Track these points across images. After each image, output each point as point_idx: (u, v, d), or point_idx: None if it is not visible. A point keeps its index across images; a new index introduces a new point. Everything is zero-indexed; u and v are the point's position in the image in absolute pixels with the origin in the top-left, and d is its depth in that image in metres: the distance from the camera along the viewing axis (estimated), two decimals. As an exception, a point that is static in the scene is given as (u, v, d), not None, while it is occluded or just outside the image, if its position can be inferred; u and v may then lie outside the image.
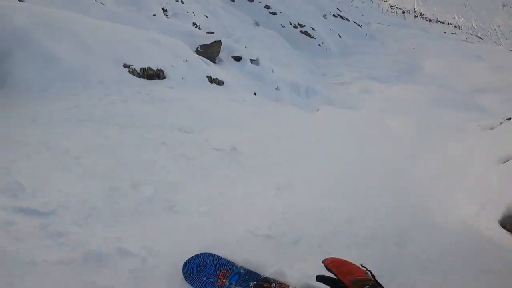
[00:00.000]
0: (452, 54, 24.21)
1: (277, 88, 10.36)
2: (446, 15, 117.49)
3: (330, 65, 19.54)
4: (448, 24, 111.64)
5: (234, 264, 1.46)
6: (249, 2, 24.02)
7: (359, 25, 30.98)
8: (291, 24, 23.19)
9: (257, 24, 19.94)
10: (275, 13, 23.74)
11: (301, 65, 16.74)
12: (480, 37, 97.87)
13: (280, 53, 15.85)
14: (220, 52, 9.89)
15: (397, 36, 31.03)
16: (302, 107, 8.15)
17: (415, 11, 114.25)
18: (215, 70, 7.24)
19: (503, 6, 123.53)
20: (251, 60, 10.69)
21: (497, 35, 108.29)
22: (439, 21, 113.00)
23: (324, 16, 26.69)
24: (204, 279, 1.39)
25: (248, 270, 1.42)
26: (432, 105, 10.53)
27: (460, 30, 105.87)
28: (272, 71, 11.13)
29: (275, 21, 22.87)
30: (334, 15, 28.72)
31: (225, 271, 1.42)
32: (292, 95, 10.75)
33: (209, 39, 9.99)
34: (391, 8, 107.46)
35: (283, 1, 24.82)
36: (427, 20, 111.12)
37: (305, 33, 22.73)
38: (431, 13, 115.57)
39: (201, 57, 7.82)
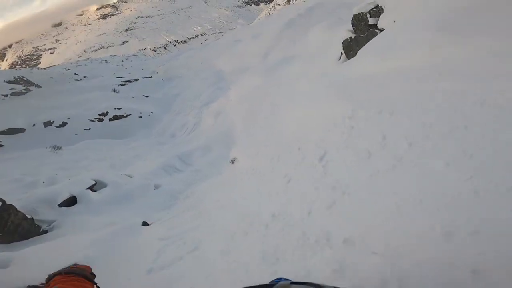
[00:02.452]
0: (223, 48, 27.08)
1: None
2: (189, 31, 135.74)
3: (167, 123, 16.71)
4: (196, 36, 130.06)
5: None
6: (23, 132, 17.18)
7: (149, 77, 29.07)
8: (93, 120, 18.36)
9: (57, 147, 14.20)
10: (63, 124, 18.11)
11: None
12: (220, 32, 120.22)
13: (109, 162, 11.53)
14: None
15: (185, 65, 31.40)
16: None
17: (171, 42, 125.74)
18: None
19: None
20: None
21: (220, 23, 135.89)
22: (189, 38, 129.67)
23: (114, 90, 22.92)
24: None
25: None
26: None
27: (206, 35, 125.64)
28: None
29: (69, 132, 17.42)
30: (122, 84, 25.35)
31: None
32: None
33: None
34: (154, 51, 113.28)
35: (67, 103, 19.33)
36: (182, 43, 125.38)
37: (116, 117, 18.57)
38: (179, 37, 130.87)
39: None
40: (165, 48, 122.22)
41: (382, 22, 5.20)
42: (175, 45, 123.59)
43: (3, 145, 16.59)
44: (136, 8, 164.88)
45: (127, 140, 15.43)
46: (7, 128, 17.39)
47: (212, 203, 4.05)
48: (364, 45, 6.01)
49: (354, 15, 6.35)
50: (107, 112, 18.58)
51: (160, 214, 4.88)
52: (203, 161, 8.28)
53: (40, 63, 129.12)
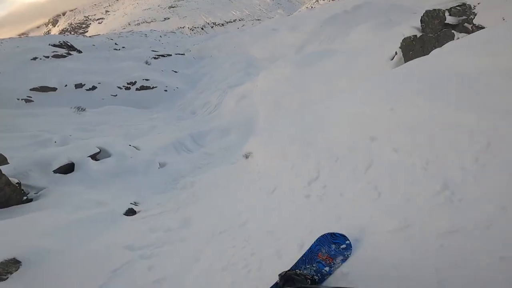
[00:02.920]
0: (259, 35, 26.33)
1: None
2: (228, 14, 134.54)
3: (190, 100, 16.21)
4: (234, 21, 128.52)
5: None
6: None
7: (182, 54, 28.75)
8: (121, 88, 18.34)
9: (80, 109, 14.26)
10: (93, 88, 18.25)
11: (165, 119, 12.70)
12: (258, 19, 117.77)
13: (132, 128, 11.17)
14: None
15: (218, 47, 30.75)
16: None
17: (208, 24, 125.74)
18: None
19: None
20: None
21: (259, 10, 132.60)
22: (227, 22, 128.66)
23: (146, 62, 22.79)
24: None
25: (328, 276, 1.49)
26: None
27: (244, 21, 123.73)
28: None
29: (97, 96, 17.51)
30: (155, 58, 25.24)
31: (330, 260, 1.57)
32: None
33: None
34: (191, 31, 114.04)
35: (101, 69, 19.52)
36: (220, 25, 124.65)
37: (142, 87, 18.41)
38: (217, 20, 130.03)
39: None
40: (202, 28, 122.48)
41: (480, 19, 4.14)
42: (212, 27, 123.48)
43: (32, 101, 17.04)
44: None
45: (149, 110, 15.16)
46: (40, 85, 17.81)
47: (209, 211, 3.18)
48: (433, 45, 5.00)
49: (427, 11, 5.29)
50: (135, 82, 18.46)
51: (155, 199, 4.24)
52: (217, 144, 7.55)
53: (87, 31, 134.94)
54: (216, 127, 8.52)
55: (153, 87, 18.23)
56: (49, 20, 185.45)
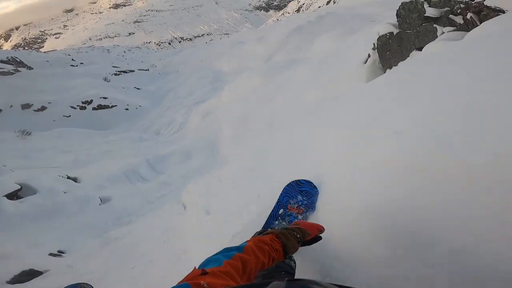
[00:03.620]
0: (226, 48, 26.30)
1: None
2: (195, 29, 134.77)
3: (154, 119, 15.23)
4: (202, 35, 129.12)
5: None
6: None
7: (146, 70, 27.67)
8: (75, 108, 16.83)
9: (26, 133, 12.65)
10: (42, 108, 16.55)
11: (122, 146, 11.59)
12: (226, 33, 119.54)
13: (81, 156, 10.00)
14: None
15: (185, 61, 30.15)
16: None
17: (176, 39, 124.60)
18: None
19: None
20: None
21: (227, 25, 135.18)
22: (195, 36, 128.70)
23: (105, 79, 21.40)
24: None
25: None
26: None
27: (212, 35, 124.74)
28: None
29: (47, 117, 15.88)
30: (116, 74, 23.89)
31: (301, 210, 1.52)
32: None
33: None
34: (158, 46, 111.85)
35: (52, 87, 17.76)
36: (188, 40, 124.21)
37: (100, 107, 17.07)
38: (185, 34, 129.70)
39: None
40: (169, 43, 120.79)
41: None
42: (180, 42, 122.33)
43: (-27, 124, 14.98)
44: (148, 1, 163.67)
45: (106, 132, 13.94)
46: (-20, 106, 15.80)
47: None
48: (412, 44, 4.40)
49: (403, 3, 4.45)
50: (91, 101, 17.09)
51: (88, 246, 3.46)
52: (177, 170, 6.80)
53: (43, 46, 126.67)
54: (178, 149, 7.77)
55: (112, 106, 16.98)
56: (0, 34, 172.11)
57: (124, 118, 16.14)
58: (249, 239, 0.93)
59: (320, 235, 1.09)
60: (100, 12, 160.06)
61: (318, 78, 6.83)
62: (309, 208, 1.51)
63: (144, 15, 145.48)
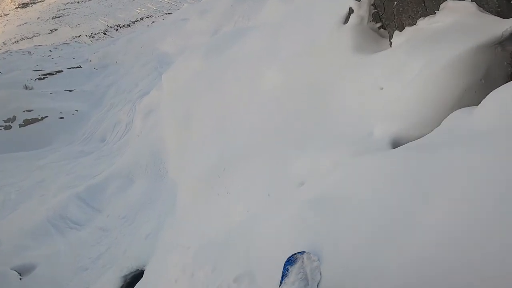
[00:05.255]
0: (168, 29, 23.66)
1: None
2: (132, 14, 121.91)
3: (96, 123, 12.89)
4: (141, 19, 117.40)
5: None
6: None
7: (78, 67, 23.80)
8: (-5, 129, 13.72)
9: None
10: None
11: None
12: (168, 13, 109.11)
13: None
14: None
15: (124, 49, 26.56)
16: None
17: (111, 27, 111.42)
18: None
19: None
20: None
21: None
22: (133, 21, 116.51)
23: (26, 87, 17.78)
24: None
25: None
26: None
27: (153, 17, 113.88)
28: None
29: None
30: (39, 78, 20.05)
31: None
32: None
33: None
34: (91, 38, 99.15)
35: None
36: (126, 27, 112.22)
37: (27, 122, 14.12)
38: (120, 21, 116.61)
39: None
40: (104, 33, 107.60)
41: None
42: (116, 30, 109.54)
43: None
44: None
45: (42, 151, 11.51)
46: None
47: None
48: None
49: None
50: (14, 117, 14.03)
51: None
52: (117, 206, 5.27)
53: None
54: (117, 170, 6.07)
55: (42, 118, 14.14)
56: None
57: (61, 129, 13.55)
58: None
59: None
60: (6, 14, 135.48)
61: (276, 52, 5.19)
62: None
63: (64, 9, 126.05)
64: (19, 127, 14.05)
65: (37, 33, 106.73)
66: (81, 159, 8.53)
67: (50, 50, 45.55)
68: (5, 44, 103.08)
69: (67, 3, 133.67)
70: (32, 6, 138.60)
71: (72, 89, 17.23)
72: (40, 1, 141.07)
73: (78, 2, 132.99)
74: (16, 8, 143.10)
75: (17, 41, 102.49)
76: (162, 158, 5.58)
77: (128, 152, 6.62)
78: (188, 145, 4.85)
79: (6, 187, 8.01)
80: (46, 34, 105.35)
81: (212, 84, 5.81)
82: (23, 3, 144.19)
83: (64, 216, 5.06)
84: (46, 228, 4.73)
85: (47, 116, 14.13)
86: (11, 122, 14.09)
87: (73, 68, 23.44)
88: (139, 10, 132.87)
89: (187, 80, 6.78)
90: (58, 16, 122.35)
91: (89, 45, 59.97)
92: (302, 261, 1.46)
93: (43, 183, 7.20)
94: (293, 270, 1.43)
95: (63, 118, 14.20)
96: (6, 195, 7.28)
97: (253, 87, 4.46)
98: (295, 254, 1.50)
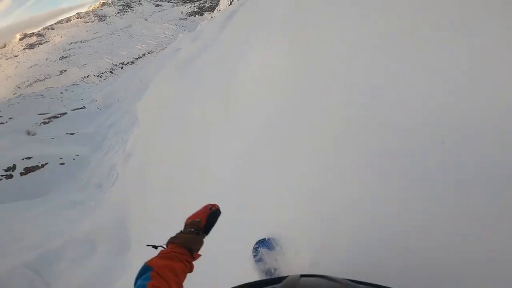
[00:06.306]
0: (163, 60, 23.99)
1: None
2: (134, 51, 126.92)
3: (94, 168, 12.40)
4: (143, 55, 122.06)
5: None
6: None
7: (81, 108, 24.05)
8: (0, 179, 13.38)
9: None
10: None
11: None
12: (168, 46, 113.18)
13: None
14: None
15: (125, 87, 26.92)
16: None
17: (116, 65, 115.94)
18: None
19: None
20: None
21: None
22: (137, 58, 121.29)
23: (28, 132, 17.69)
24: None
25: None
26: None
27: (153, 52, 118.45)
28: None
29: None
30: (44, 122, 20.15)
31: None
32: None
33: None
34: (99, 77, 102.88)
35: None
36: (130, 64, 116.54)
37: (28, 170, 13.78)
38: (124, 59, 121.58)
39: None
40: (111, 72, 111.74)
41: None
42: (121, 68, 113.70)
43: None
44: (66, 34, 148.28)
45: (38, 201, 10.95)
46: None
47: None
48: None
49: None
50: (14, 166, 13.72)
51: None
52: (69, 282, 4.46)
53: None
54: (80, 235, 5.23)
55: (42, 165, 13.79)
56: None
57: (62, 175, 13.12)
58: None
59: (214, 209, 1.01)
60: (16, 56, 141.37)
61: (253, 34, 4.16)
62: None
63: (69, 49, 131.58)
64: (20, 175, 13.70)
65: (48, 75, 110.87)
66: (68, 211, 7.85)
67: (61, 92, 46.79)
68: (19, 87, 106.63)
69: (71, 43, 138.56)
70: (38, 46, 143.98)
71: (74, 132, 17.09)
72: (46, 42, 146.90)
73: (81, 42, 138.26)
74: (24, 49, 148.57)
75: (31, 84, 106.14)
76: (127, 225, 4.73)
77: (97, 212, 5.79)
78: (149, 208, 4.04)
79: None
80: (56, 76, 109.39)
81: (177, 111, 4.90)
82: (30, 44, 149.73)
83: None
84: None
85: (47, 163, 13.79)
86: (12, 171, 13.77)
87: (77, 109, 23.66)
88: (139, 46, 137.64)
89: (155, 110, 6.06)
90: (65, 56, 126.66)
91: (97, 84, 61.55)
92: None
93: (22, 240, 6.49)
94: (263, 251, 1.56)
95: (63, 164, 13.83)
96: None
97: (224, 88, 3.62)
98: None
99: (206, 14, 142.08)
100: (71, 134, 16.80)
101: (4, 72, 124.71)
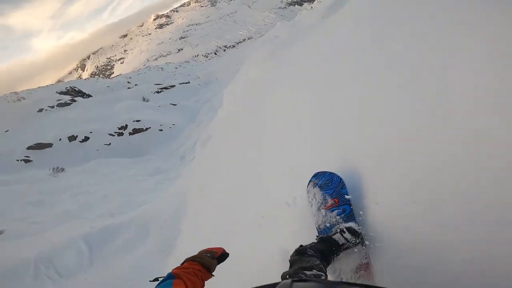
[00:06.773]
0: (258, 44, 23.40)
1: None
2: (236, 35, 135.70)
3: (184, 139, 13.09)
4: (244, 40, 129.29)
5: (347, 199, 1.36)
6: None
7: (186, 83, 26.62)
8: (113, 135, 16.03)
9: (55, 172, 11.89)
10: (86, 139, 16.16)
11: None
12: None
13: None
14: None
15: (224, 68, 28.36)
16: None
17: (220, 48, 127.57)
18: None
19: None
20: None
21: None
22: (238, 42, 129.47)
23: (144, 98, 20.61)
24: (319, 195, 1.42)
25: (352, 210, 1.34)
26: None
27: (253, 39, 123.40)
28: None
29: (90, 147, 15.26)
30: (157, 92, 23.20)
31: (336, 200, 1.38)
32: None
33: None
34: (206, 57, 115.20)
35: (96, 115, 17.55)
36: (231, 47, 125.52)
37: (135, 131, 15.92)
38: (227, 42, 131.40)
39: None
40: (215, 53, 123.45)
41: None
42: (224, 50, 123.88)
43: (31, 160, 15.33)
44: (186, 17, 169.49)
45: (137, 160, 12.32)
46: (36, 142, 16.15)
47: None
48: None
49: None
50: (126, 126, 16.02)
51: None
52: (119, 263, 3.95)
53: (113, 72, 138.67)
54: (137, 218, 4.85)
55: (146, 129, 15.63)
56: (77, 65, 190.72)
57: (159, 140, 14.54)
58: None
59: (226, 252, 1.13)
60: (149, 34, 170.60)
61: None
62: (341, 193, 1.37)
63: (187, 31, 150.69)
64: (129, 135, 16.05)
65: (169, 52, 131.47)
66: (147, 180, 8.20)
67: (175, 67, 54.33)
68: (148, 60, 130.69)
69: (189, 25, 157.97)
70: (166, 27, 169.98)
71: (176, 103, 18.94)
72: (171, 23, 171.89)
73: (196, 25, 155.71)
74: (155, 28, 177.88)
75: (156, 59, 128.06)
76: (181, 215, 4.01)
77: (164, 195, 5.43)
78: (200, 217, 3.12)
79: (93, 193, 8.41)
80: (175, 53, 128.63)
81: (257, 104, 3.80)
82: (160, 24, 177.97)
83: (51, 261, 4.17)
84: (26, 269, 3.99)
85: (150, 127, 15.60)
86: (123, 130, 16.26)
87: (184, 83, 26.45)
88: (241, 32, 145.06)
89: (238, 97, 5.18)
90: (183, 37, 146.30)
91: (202, 63, 68.84)
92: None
93: (107, 199, 7.08)
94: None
95: (162, 130, 15.37)
96: (71, 205, 7.47)
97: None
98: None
99: (305, 4, 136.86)
100: (173, 105, 18.60)
101: (139, 47, 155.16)
